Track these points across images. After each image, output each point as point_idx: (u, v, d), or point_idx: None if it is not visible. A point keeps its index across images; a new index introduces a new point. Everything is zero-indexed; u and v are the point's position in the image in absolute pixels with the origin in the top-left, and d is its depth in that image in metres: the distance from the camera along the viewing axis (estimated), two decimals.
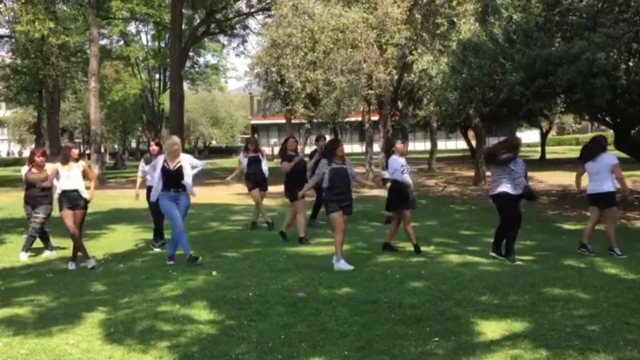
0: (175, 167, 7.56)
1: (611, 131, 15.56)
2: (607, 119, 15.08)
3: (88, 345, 4.43)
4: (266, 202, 11.28)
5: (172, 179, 7.54)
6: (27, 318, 5.20)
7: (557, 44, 11.28)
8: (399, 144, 8.29)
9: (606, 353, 3.99)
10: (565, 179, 17.51)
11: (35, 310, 5.43)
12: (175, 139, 7.91)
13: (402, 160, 8.10)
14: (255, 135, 48.45)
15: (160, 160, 7.66)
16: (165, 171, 7.53)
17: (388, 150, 8.48)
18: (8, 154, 56.77)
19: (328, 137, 11.05)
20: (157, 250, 8.82)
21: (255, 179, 10.51)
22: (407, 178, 8.09)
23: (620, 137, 14.36)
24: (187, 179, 7.61)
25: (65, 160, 7.88)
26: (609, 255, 7.65)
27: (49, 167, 8.40)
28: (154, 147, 9.05)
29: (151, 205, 8.48)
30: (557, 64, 10.83)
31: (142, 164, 9.28)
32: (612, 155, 8.04)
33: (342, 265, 6.96)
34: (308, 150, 14.24)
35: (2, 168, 44.75)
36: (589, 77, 10.49)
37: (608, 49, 10.43)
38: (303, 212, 9.21)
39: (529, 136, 40.44)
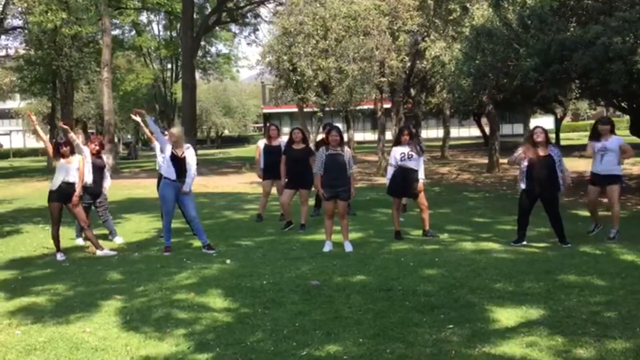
0: (182, 155, 7.58)
1: (627, 117, 15.35)
2: (622, 104, 14.89)
3: (105, 333, 4.48)
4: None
5: (180, 167, 7.54)
6: (45, 307, 5.28)
7: (572, 29, 11.13)
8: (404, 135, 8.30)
9: (622, 340, 3.97)
10: (580, 165, 17.33)
11: (53, 299, 5.51)
12: (172, 130, 7.82)
13: (404, 149, 8.10)
14: (268, 124, 48.26)
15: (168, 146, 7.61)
16: (173, 157, 7.55)
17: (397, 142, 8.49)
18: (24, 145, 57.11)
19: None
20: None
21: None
22: (407, 164, 8.04)
23: (636, 123, 14.17)
24: (190, 173, 7.61)
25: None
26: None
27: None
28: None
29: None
30: (572, 49, 10.68)
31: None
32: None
33: (325, 247, 7.44)
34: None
35: (18, 159, 45.25)
36: (605, 62, 10.34)
37: (624, 33, 10.25)
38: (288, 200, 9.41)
39: (543, 123, 40.01)
